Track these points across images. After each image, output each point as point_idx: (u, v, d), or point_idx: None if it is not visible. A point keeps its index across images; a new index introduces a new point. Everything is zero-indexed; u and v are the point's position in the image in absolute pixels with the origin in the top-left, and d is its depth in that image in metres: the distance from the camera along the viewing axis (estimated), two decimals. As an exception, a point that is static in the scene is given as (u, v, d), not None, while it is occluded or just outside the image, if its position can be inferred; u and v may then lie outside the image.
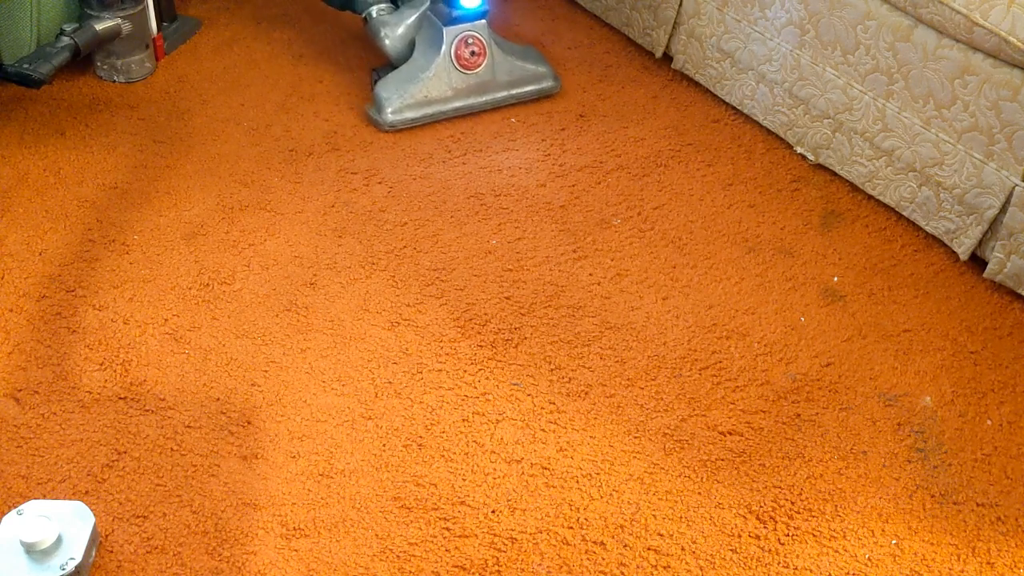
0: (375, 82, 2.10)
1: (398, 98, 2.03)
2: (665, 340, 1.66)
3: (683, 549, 1.37)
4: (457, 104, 2.08)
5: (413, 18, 2.09)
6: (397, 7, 2.13)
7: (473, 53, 2.04)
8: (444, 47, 2.03)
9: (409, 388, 1.56)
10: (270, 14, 2.43)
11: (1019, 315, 1.75)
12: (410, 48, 2.10)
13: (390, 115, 2.03)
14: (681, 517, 1.41)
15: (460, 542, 1.36)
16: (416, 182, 1.95)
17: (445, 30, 2.03)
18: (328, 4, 2.23)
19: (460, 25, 2.04)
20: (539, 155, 2.03)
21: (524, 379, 1.59)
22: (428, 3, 2.09)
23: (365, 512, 1.39)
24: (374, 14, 2.11)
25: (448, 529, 1.37)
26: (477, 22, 2.06)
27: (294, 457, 1.45)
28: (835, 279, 1.80)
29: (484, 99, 2.10)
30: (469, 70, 2.06)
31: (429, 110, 2.06)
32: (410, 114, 2.04)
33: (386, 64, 2.14)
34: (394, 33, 2.08)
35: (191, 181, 1.92)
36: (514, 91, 2.13)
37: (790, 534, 1.39)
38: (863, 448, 1.51)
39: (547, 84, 2.16)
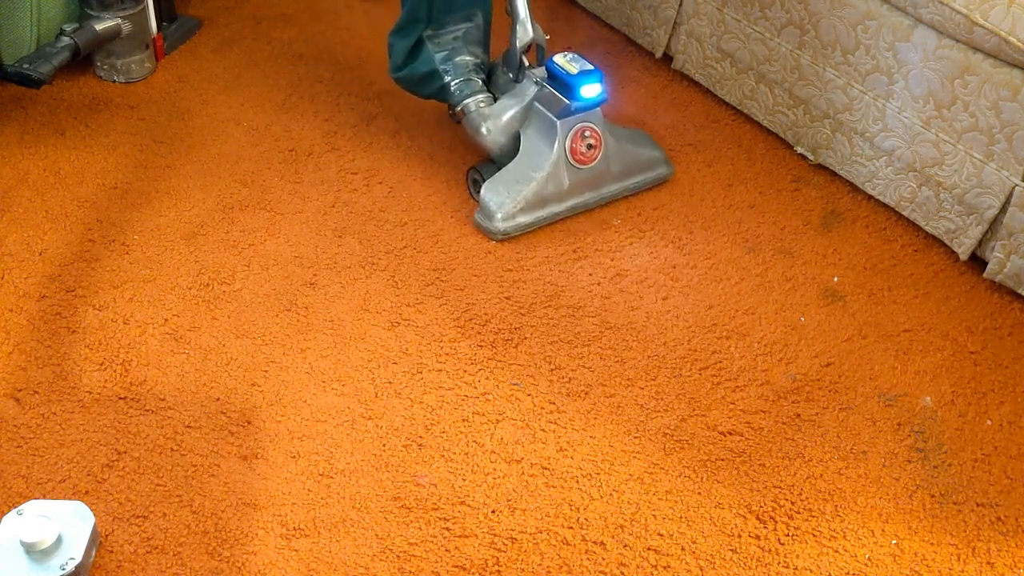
0: (473, 182, 1.90)
1: (510, 202, 1.80)
2: (665, 340, 1.66)
3: (683, 549, 1.37)
4: (572, 202, 1.86)
5: (517, 109, 1.86)
6: (495, 98, 1.91)
7: (590, 146, 1.82)
8: (558, 142, 1.81)
9: (409, 388, 1.56)
10: (270, 14, 2.43)
11: (1019, 315, 1.75)
12: (513, 142, 1.86)
13: (501, 222, 1.80)
14: (681, 517, 1.41)
15: (460, 542, 1.36)
16: (416, 182, 1.95)
17: (559, 123, 1.80)
18: (413, 93, 1.98)
19: (575, 116, 1.81)
20: (539, 155, 2.03)
21: (524, 379, 1.59)
22: (535, 91, 1.85)
23: (365, 512, 1.39)
24: (472, 107, 1.87)
25: (448, 529, 1.37)
26: (592, 111, 1.84)
27: (294, 457, 1.45)
28: (835, 279, 1.80)
29: (599, 193, 1.89)
30: (584, 165, 1.84)
31: (543, 212, 1.84)
32: (523, 219, 1.82)
33: (485, 160, 1.91)
34: (496, 127, 1.85)
35: (191, 181, 1.92)
36: (628, 182, 1.92)
37: (790, 534, 1.39)
38: (863, 448, 1.51)
39: (661, 171, 1.96)
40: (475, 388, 1.57)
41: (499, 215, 1.81)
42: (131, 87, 2.15)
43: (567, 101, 1.80)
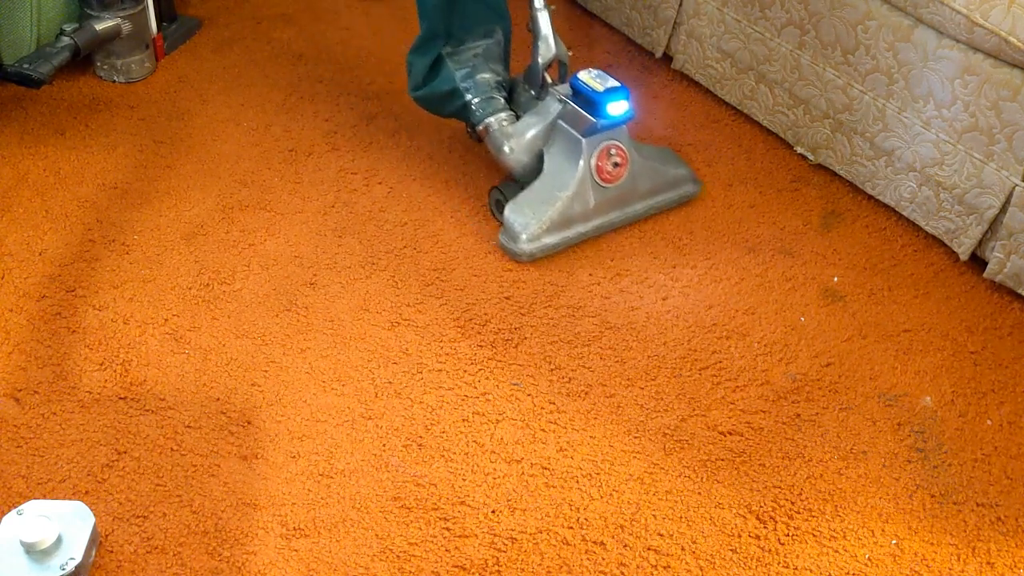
0: (496, 203, 1.85)
1: (535, 223, 1.76)
2: (665, 340, 1.66)
3: (683, 549, 1.37)
4: (598, 222, 1.82)
5: (540, 127, 1.81)
6: (517, 116, 1.86)
7: (616, 165, 1.78)
8: (583, 160, 1.76)
9: (409, 388, 1.56)
10: (270, 14, 2.43)
11: (1019, 315, 1.75)
12: (537, 161, 1.82)
13: (526, 244, 1.76)
14: (681, 517, 1.41)
15: (460, 542, 1.36)
16: (416, 182, 1.95)
17: (584, 141, 1.76)
18: (433, 112, 1.94)
19: (601, 134, 1.77)
20: (539, 155, 2.03)
21: (524, 379, 1.59)
22: (559, 109, 1.81)
23: (365, 512, 1.39)
24: (495, 125, 1.82)
25: (448, 529, 1.37)
26: (617, 129, 1.79)
27: (294, 457, 1.45)
28: (835, 279, 1.80)
29: (625, 212, 1.85)
30: (610, 183, 1.80)
31: (569, 233, 1.79)
32: (548, 240, 1.78)
33: (507, 179, 1.86)
34: (520, 145, 1.81)
35: (191, 181, 1.92)
36: (654, 200, 1.88)
37: (790, 534, 1.39)
38: (863, 448, 1.51)
39: (688, 189, 1.92)
40: (475, 388, 1.57)
41: (524, 236, 1.76)
42: (131, 87, 2.15)
43: (592, 119, 1.75)
